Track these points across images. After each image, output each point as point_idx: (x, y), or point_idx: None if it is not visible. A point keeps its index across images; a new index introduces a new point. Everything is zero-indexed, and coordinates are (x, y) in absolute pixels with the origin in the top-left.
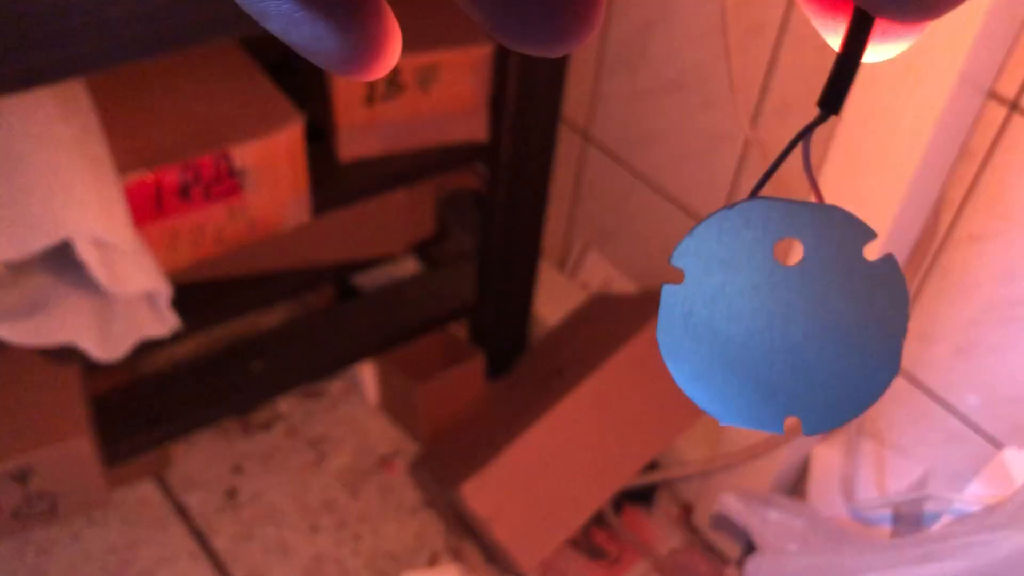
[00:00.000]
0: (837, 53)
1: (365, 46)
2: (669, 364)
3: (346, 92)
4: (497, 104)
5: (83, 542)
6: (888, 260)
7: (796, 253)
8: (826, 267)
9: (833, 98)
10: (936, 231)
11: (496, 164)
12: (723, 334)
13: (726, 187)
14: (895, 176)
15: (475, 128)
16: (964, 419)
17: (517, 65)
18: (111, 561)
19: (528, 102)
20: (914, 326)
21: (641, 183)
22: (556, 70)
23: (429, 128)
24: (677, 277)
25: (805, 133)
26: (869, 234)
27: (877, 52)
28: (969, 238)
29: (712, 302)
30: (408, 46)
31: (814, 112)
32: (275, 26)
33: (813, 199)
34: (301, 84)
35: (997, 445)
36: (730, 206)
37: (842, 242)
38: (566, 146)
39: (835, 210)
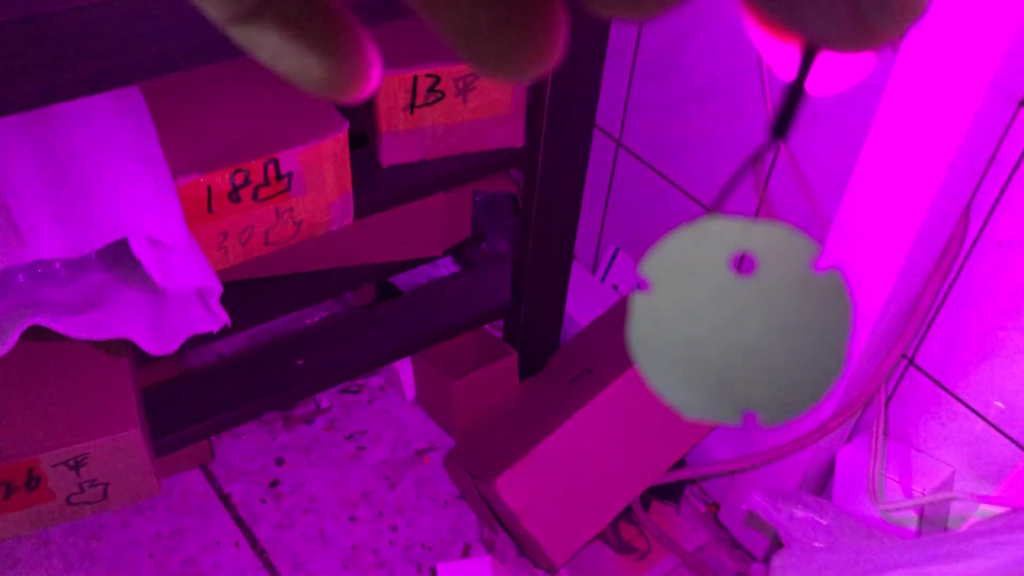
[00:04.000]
0: (787, 84)
1: (347, 74)
2: (639, 362)
3: (389, 100)
4: (533, 112)
5: (131, 529)
6: (833, 273)
7: (750, 264)
8: (777, 278)
9: (782, 125)
10: (964, 237)
11: (531, 170)
12: (686, 336)
13: (756, 193)
14: (924, 183)
15: (512, 135)
16: (990, 422)
17: (552, 74)
18: (158, 547)
19: (563, 110)
20: (941, 330)
21: (672, 188)
22: (590, 79)
23: (467, 135)
24: (646, 285)
25: (756, 157)
26: (814, 249)
27: (828, 84)
28: (997, 244)
29: (676, 308)
30: (448, 56)
31: (843, 119)
32: (264, 57)
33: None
34: None
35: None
36: (691, 223)
37: (791, 256)
38: (599, 152)
39: (784, 227)
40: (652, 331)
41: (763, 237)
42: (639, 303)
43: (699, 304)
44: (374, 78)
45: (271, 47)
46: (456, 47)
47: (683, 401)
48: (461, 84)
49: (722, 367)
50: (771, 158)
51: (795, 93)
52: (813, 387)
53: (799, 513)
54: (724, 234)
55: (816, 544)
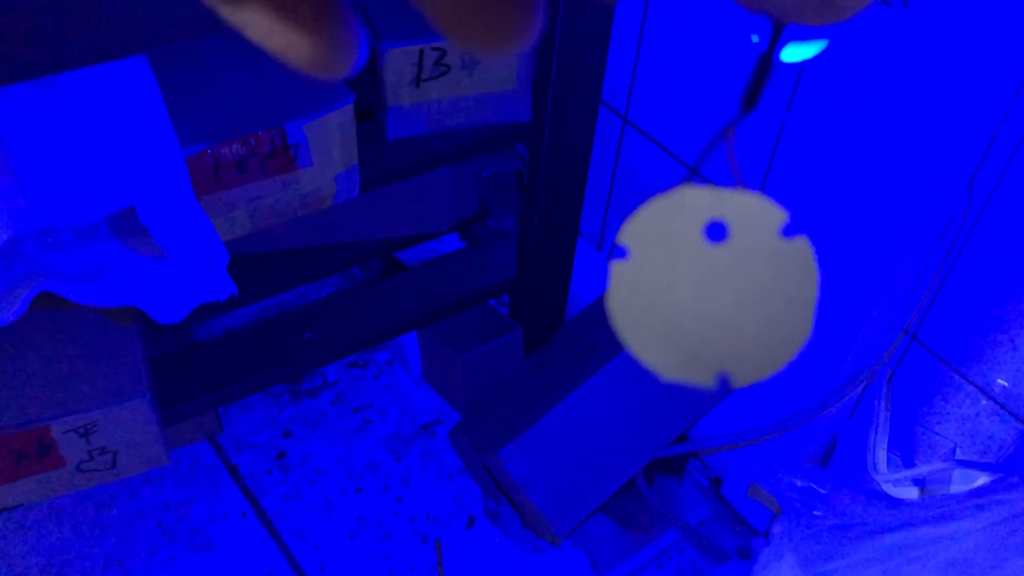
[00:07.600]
0: (759, 56)
1: (332, 51)
2: (618, 329)
3: (395, 74)
4: (539, 87)
5: (140, 498)
6: (800, 240)
7: (722, 232)
8: (747, 244)
9: (752, 96)
10: (967, 213)
11: (537, 145)
12: (662, 302)
13: (762, 169)
14: (925, 158)
15: (518, 109)
16: (993, 399)
17: (559, 49)
18: (166, 517)
19: (569, 85)
20: (945, 306)
21: (679, 165)
22: (597, 55)
23: (473, 109)
24: (623, 253)
25: (729, 127)
26: (782, 216)
27: (796, 52)
28: (1000, 220)
29: (652, 274)
30: None
31: (854, 98)
32: (253, 36)
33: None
34: None
35: None
36: (665, 192)
37: (760, 223)
38: (605, 128)
39: (755, 196)
40: (630, 297)
41: (735, 205)
42: (617, 270)
43: (674, 271)
44: (360, 56)
45: (260, 27)
46: (437, 24)
47: (660, 364)
48: (467, 58)
49: (697, 331)
50: (777, 135)
51: (764, 65)
52: (782, 350)
53: (799, 483)
54: (697, 203)
55: (815, 512)
